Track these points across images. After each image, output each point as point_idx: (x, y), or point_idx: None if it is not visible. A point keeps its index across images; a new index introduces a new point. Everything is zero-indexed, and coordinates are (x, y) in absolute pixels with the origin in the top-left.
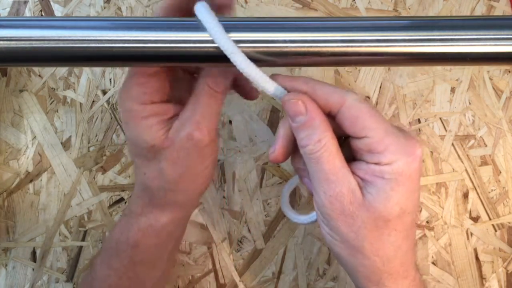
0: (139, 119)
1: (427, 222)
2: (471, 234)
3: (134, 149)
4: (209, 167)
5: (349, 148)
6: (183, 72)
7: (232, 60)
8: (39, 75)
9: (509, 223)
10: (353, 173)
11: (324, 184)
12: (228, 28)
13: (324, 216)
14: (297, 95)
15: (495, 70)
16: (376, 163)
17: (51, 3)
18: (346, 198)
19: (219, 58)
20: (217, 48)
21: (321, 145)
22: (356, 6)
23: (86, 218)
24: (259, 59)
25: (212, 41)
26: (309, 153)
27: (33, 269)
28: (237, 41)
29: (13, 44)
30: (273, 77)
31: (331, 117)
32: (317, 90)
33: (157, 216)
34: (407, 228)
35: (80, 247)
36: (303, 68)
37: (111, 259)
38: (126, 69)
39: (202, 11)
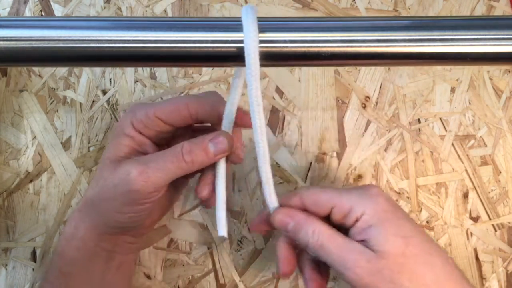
0: (123, 133)
1: (427, 222)
2: (471, 234)
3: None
4: (140, 214)
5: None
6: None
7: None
8: (39, 75)
9: (509, 223)
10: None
11: (341, 261)
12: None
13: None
14: (278, 210)
15: (495, 70)
16: (356, 221)
17: (51, 3)
18: (363, 261)
19: (218, 58)
20: (216, 48)
21: (317, 234)
22: (356, 6)
23: None
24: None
25: (211, 41)
26: (313, 245)
27: (33, 269)
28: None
29: (13, 44)
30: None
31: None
32: (283, 201)
33: (78, 226)
34: (423, 248)
35: None
36: (303, 68)
37: (47, 271)
38: (126, 69)
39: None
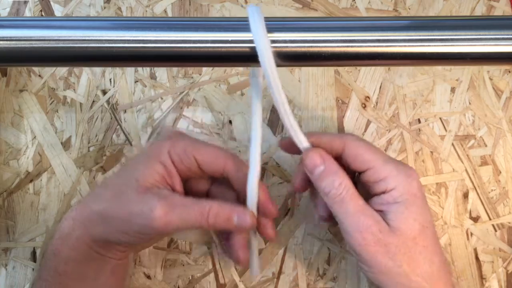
0: (159, 159)
1: None
2: (471, 234)
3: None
4: (143, 241)
5: (361, 188)
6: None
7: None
8: (39, 75)
9: (509, 223)
10: (373, 208)
11: (354, 222)
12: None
13: (360, 253)
14: (313, 149)
15: (495, 70)
16: (384, 192)
17: (51, 3)
18: (376, 229)
19: (217, 59)
20: (215, 48)
21: (342, 187)
22: (356, 6)
23: None
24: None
25: (211, 41)
26: (333, 197)
27: (33, 269)
28: (237, 41)
29: (13, 44)
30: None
31: (338, 160)
32: (321, 139)
33: (75, 226)
34: (432, 242)
35: None
36: (303, 68)
37: (41, 269)
38: (126, 69)
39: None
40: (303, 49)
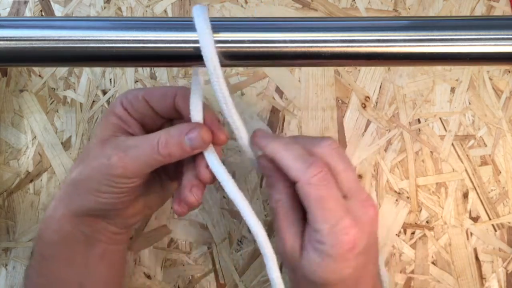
0: (112, 111)
1: (427, 222)
2: (471, 234)
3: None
4: (118, 198)
5: None
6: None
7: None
8: (39, 75)
9: (509, 223)
10: (304, 233)
11: (277, 236)
12: (228, 28)
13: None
14: (262, 158)
15: (495, 70)
16: (314, 231)
17: (51, 3)
18: (288, 254)
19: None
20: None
21: (279, 204)
22: (356, 6)
23: None
24: (260, 59)
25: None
26: (271, 207)
27: None
28: (237, 41)
29: (13, 44)
30: (253, 133)
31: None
32: (281, 159)
33: (56, 206)
34: None
35: None
36: (303, 68)
37: (31, 257)
38: (126, 69)
39: (198, 13)
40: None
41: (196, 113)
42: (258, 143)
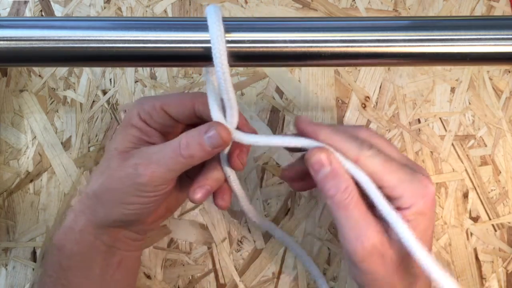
0: (130, 123)
1: None
2: (471, 234)
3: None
4: (145, 207)
5: (365, 193)
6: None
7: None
8: (39, 75)
9: (509, 223)
10: (374, 216)
11: (356, 229)
12: (228, 29)
13: (355, 261)
14: (320, 149)
15: (495, 70)
16: (396, 207)
17: (51, 3)
18: (376, 240)
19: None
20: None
21: (348, 192)
22: (356, 6)
23: None
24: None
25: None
26: (338, 201)
27: (33, 269)
28: (236, 41)
29: (13, 44)
30: (296, 119)
31: None
32: (335, 143)
33: (77, 218)
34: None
35: None
36: (303, 68)
37: (46, 264)
38: (126, 69)
39: (211, 12)
40: (259, 49)
41: (216, 113)
42: (308, 132)
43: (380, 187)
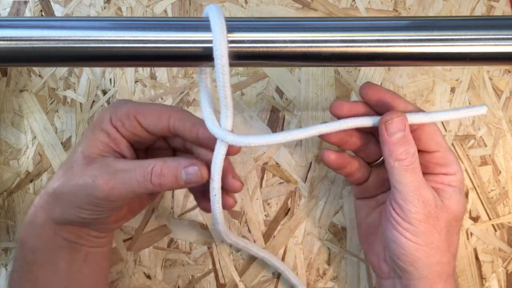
0: (101, 127)
1: None
2: (471, 234)
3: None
4: (100, 214)
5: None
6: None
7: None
8: (39, 75)
9: (509, 223)
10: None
11: (420, 191)
12: (229, 28)
13: (413, 223)
14: (398, 113)
15: (495, 70)
16: (445, 174)
17: (51, 3)
18: (434, 203)
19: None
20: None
21: (415, 158)
22: (356, 6)
23: None
24: (260, 59)
25: (211, 41)
26: (406, 164)
27: None
28: (237, 41)
29: (13, 44)
30: (364, 85)
31: None
32: (399, 106)
33: (37, 213)
34: (459, 228)
35: None
36: (303, 68)
37: (14, 259)
38: (126, 69)
39: (213, 11)
40: (259, 49)
41: (207, 114)
42: (386, 99)
43: (434, 151)
